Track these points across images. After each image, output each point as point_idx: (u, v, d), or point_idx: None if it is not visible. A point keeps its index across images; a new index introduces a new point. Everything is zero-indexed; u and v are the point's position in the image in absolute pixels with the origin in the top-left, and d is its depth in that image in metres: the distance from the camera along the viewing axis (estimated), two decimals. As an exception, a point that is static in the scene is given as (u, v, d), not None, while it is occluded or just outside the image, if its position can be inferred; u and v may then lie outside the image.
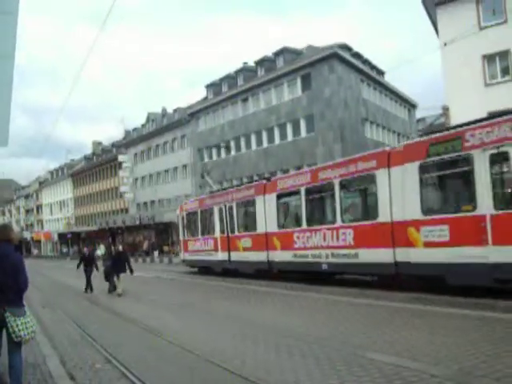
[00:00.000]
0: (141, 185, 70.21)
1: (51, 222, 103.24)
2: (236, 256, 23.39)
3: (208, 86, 58.42)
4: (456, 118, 29.51)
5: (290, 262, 19.17)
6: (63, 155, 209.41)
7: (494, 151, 11.67)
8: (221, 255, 24.78)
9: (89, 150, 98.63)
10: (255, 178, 47.48)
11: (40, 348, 9.17)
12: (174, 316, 13.76)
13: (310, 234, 18.00)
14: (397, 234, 14.06)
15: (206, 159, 55.97)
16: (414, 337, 8.96)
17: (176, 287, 23.36)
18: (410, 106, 60.01)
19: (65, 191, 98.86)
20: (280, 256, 19.81)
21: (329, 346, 8.72)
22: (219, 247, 24.93)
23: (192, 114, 58.15)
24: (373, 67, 51.90)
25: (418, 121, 67.42)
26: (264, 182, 21.88)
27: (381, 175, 14.84)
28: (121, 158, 72.61)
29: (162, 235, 59.78)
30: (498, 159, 11.81)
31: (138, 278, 29.00)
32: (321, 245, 17.35)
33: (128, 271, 20.33)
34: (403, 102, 57.76)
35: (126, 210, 72.53)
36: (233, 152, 51.73)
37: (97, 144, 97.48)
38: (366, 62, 50.25)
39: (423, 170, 13.45)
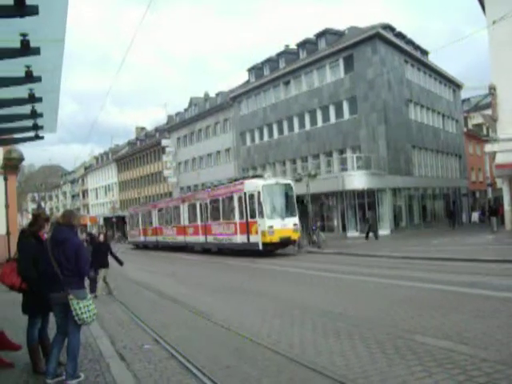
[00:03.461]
0: (184, 169, 70.83)
1: (96, 207, 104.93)
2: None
3: (250, 70, 58.33)
4: (503, 97, 29.04)
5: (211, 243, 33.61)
6: (108, 140, 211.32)
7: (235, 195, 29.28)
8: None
9: (133, 135, 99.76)
10: (298, 161, 47.58)
11: (90, 329, 9.35)
12: (220, 296, 13.98)
13: (214, 226, 32.89)
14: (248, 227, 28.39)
15: (249, 143, 56.10)
16: (464, 321, 8.88)
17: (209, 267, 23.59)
18: (455, 86, 58.79)
19: (109, 176, 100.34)
20: (207, 239, 33.96)
21: (376, 328, 8.72)
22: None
23: (234, 98, 58.23)
24: (416, 47, 51.02)
25: (464, 101, 66.37)
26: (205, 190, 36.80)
27: (237, 195, 29.68)
28: (164, 142, 73.29)
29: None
30: (238, 198, 29.03)
31: (183, 260, 29.43)
32: (219, 232, 31.88)
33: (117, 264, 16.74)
34: (448, 82, 56.63)
35: (170, 194, 73.17)
36: (275, 135, 51.72)
37: (140, 129, 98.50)
38: (409, 42, 49.42)
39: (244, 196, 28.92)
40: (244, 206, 28.70)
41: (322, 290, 13.74)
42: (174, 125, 73.71)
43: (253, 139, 55.67)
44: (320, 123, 45.89)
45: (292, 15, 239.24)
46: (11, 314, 11.08)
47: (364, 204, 39.49)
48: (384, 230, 38.83)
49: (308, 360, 7.06)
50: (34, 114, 10.37)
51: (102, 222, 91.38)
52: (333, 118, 44.56)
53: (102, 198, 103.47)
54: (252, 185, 28.56)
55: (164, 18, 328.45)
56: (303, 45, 49.72)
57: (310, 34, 49.94)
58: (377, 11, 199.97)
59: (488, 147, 31.24)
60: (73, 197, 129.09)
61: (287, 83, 50.36)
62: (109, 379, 6.61)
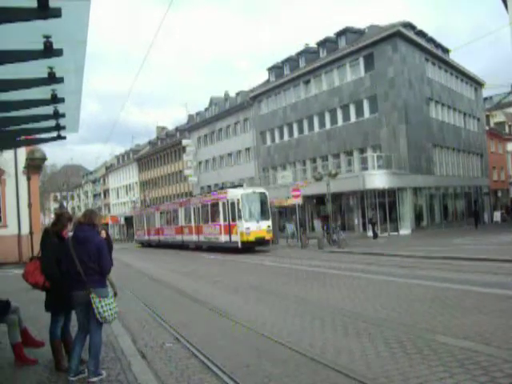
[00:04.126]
0: (204, 168, 71.09)
1: (117, 206, 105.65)
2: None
3: (270, 69, 58.41)
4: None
5: (202, 241, 38.64)
6: (129, 140, 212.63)
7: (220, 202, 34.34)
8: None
9: (154, 135, 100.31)
10: (318, 160, 47.53)
11: (112, 327, 9.40)
12: (240, 295, 14.04)
13: (204, 227, 37.71)
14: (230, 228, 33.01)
15: (269, 142, 56.13)
16: (485, 321, 8.81)
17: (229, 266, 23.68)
18: (477, 84, 58.31)
19: (130, 175, 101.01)
20: (199, 238, 38.91)
21: (397, 328, 8.71)
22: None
23: (254, 98, 58.33)
24: (437, 45, 50.75)
25: (485, 99, 65.77)
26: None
27: (222, 202, 34.22)
28: (185, 142, 73.62)
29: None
30: (222, 205, 33.92)
31: (204, 259, 29.56)
32: (208, 232, 36.84)
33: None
34: (469, 80, 56.19)
35: (190, 194, 73.40)
36: (295, 134, 51.70)
37: (161, 129, 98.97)
38: (430, 40, 49.19)
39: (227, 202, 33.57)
40: (227, 210, 33.61)
41: (342, 289, 13.71)
42: (194, 124, 74.00)
43: (273, 138, 55.69)
44: (340, 122, 45.80)
45: (312, 14, 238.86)
46: (34, 311, 11.23)
47: (385, 203, 39.34)
48: (405, 230, 38.70)
49: (329, 359, 7.06)
50: (57, 115, 10.50)
51: (123, 221, 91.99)
52: (353, 117, 44.45)
53: (123, 197, 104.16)
54: (233, 193, 33.67)
55: (184, 17, 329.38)
56: (323, 43, 49.66)
57: (331, 32, 49.98)
58: (398, 9, 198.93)
59: (510, 146, 31.00)
60: (94, 196, 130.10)
61: (307, 82, 50.33)
62: (130, 377, 6.66)
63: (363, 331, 8.67)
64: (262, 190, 35.33)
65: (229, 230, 33.32)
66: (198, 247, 40.09)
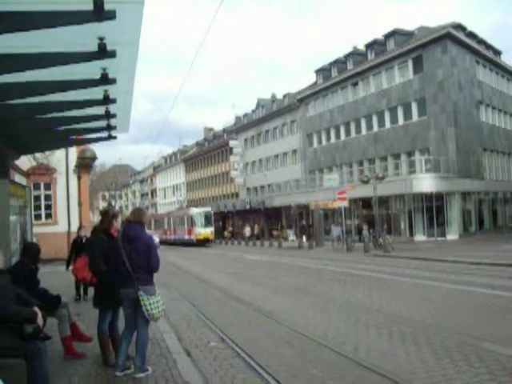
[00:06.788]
0: (251, 170, 71.38)
1: (165, 206, 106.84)
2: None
3: (317, 71, 58.38)
4: None
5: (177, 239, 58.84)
6: (177, 141, 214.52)
7: (185, 215, 59.16)
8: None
9: (202, 135, 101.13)
10: (365, 163, 47.23)
11: (158, 325, 9.52)
12: (285, 297, 14.11)
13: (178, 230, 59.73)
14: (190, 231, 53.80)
15: (316, 144, 56.02)
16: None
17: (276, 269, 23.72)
18: (530, 87, 57.03)
19: (178, 176, 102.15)
20: (174, 237, 60.13)
21: (443, 334, 8.62)
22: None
23: (301, 100, 58.29)
24: (489, 47, 49.78)
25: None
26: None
27: (186, 216, 56.87)
28: (232, 143, 73.99)
29: (272, 220, 60.52)
30: (187, 217, 57.49)
31: (250, 261, 29.73)
32: (180, 234, 57.86)
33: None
34: (522, 82, 54.98)
35: (237, 195, 73.91)
36: (342, 137, 51.47)
37: (208, 130, 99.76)
38: (481, 41, 48.30)
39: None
40: (188, 221, 54.96)
41: (387, 293, 13.65)
42: (241, 126, 74.49)
43: (320, 141, 55.57)
44: (388, 125, 45.42)
45: (360, 15, 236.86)
46: (83, 307, 11.51)
47: (432, 207, 38.81)
48: (452, 235, 38.11)
49: (373, 363, 7.06)
50: (108, 115, 10.77)
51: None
52: (401, 120, 44.02)
53: (169, 197, 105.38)
54: (192, 211, 56.09)
55: (236, 17, 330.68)
56: (371, 45, 49.38)
57: (379, 34, 49.50)
58: (450, 9, 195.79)
59: None
60: (142, 196, 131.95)
61: (355, 84, 50.07)
62: (175, 374, 6.78)
63: (408, 336, 8.65)
64: (208, 209, 57.22)
65: (189, 232, 54.05)
66: (173, 243, 59.13)
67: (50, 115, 10.60)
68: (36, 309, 5.76)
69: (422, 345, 8.00)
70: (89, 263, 7.36)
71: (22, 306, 5.76)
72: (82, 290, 14.09)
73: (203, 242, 52.18)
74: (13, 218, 11.04)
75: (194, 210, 55.77)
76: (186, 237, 54.73)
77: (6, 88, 8.37)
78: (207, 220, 53.83)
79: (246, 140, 72.72)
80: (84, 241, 13.73)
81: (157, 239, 49.21)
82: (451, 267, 19.84)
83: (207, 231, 52.98)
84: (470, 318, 9.98)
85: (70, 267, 13.84)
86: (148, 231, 41.75)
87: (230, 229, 66.02)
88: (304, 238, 41.26)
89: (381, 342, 8.33)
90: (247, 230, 55.68)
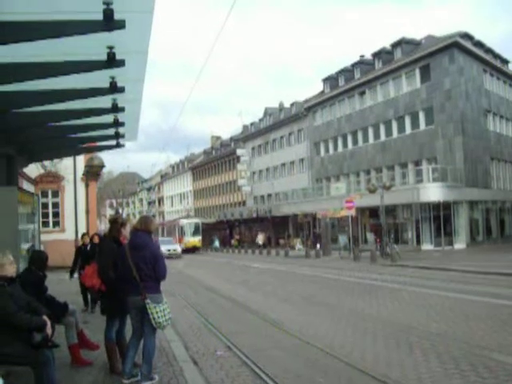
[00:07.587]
0: (258, 178, 71.38)
1: (172, 214, 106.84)
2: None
3: (325, 80, 58.47)
4: None
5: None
6: (184, 149, 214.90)
7: (177, 225, 67.41)
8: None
9: (208, 144, 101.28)
10: (372, 172, 47.18)
11: (165, 333, 9.52)
12: (292, 306, 14.09)
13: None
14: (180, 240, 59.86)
15: (323, 153, 56.03)
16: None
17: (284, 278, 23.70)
18: (538, 96, 56.88)
19: (185, 184, 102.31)
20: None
21: (451, 344, 8.59)
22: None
23: (309, 108, 58.35)
24: (496, 56, 49.69)
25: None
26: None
27: (177, 226, 65.32)
28: (239, 152, 74.09)
29: (279, 228, 60.49)
30: (178, 227, 65.63)
31: (253, 269, 29.72)
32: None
33: None
34: (530, 91, 54.81)
35: (244, 203, 73.88)
36: (349, 145, 51.48)
37: (215, 138, 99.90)
38: (488, 50, 48.24)
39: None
40: (179, 230, 62.26)
41: (395, 302, 13.63)
42: (248, 134, 74.58)
43: (327, 150, 55.56)
44: (395, 134, 45.37)
45: (367, 25, 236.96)
46: (90, 315, 11.54)
47: (439, 217, 38.69)
48: (459, 244, 37.96)
49: (380, 373, 7.03)
50: (117, 123, 10.85)
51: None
52: (408, 129, 43.97)
53: (177, 205, 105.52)
54: (182, 221, 64.11)
55: (245, 25, 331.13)
56: (379, 54, 49.42)
57: (386, 43, 49.51)
58: (459, 19, 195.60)
59: None
60: (149, 204, 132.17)
61: (362, 93, 50.11)
62: (182, 382, 6.80)
63: (416, 345, 8.62)
64: (197, 219, 66.70)
65: (180, 241, 59.25)
66: None
67: (59, 123, 10.69)
68: (46, 317, 5.80)
69: (430, 354, 7.97)
70: (98, 271, 7.38)
71: (31, 315, 5.80)
72: (89, 300, 13.28)
73: (192, 250, 58.19)
74: (21, 225, 11.09)
75: (184, 221, 64.03)
76: (177, 245, 58.60)
77: (17, 97, 8.47)
78: (196, 230, 61.41)
79: (253, 148, 72.81)
80: (89, 248, 13.62)
81: (176, 247, 53.63)
82: (459, 276, 19.77)
83: (195, 240, 60.38)
84: (477, 327, 9.92)
85: (75, 275, 13.84)
86: (160, 238, 42.43)
87: (237, 237, 65.99)
88: (318, 246, 40.63)
89: (388, 352, 8.30)
90: (260, 238, 55.65)
